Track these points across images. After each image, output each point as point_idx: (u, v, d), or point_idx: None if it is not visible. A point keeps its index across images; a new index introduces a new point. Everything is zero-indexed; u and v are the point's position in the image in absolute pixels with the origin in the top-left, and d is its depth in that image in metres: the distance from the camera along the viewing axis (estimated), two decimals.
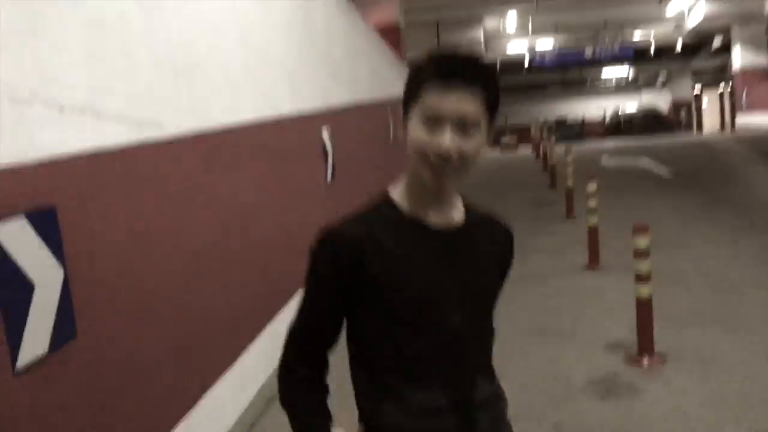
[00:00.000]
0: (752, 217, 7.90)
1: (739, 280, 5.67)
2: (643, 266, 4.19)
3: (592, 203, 6.38)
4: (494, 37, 22.70)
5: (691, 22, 21.73)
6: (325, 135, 5.94)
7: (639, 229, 4.22)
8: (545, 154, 13.07)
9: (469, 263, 1.48)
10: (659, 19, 22.42)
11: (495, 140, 23.40)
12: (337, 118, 6.51)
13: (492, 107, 1.39)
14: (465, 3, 18.64)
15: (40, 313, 2.17)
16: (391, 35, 12.19)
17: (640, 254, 4.20)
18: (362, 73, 8.28)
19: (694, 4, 20.86)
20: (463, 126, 1.34)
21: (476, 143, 1.37)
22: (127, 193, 2.73)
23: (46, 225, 2.24)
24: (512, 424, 1.57)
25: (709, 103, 37.13)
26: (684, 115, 34.43)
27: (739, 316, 4.88)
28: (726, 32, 22.94)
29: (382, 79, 9.69)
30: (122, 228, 2.67)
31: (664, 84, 37.73)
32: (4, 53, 2.11)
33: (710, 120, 35.93)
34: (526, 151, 19.42)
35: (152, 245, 2.89)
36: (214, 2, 3.83)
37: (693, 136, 24.62)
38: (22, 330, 2.11)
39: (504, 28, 22.06)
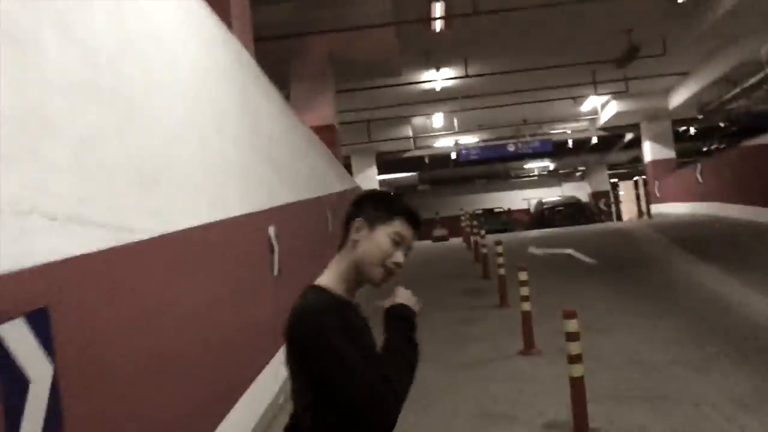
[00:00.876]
0: (668, 302, 8.50)
1: (658, 360, 6.13)
2: (574, 348, 4.58)
3: (524, 291, 6.83)
4: (422, 134, 23.77)
5: (604, 118, 23.35)
6: (271, 231, 6.24)
7: (568, 315, 4.64)
8: (476, 245, 13.63)
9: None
10: (575, 115, 24.02)
11: (427, 232, 24.12)
12: (282, 215, 6.83)
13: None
14: (394, 105, 19.60)
15: (34, 409, 2.35)
16: (326, 134, 12.77)
17: (571, 337, 4.59)
18: (303, 171, 8.69)
19: (606, 103, 22.51)
20: (407, 249, 1.96)
21: None
22: (107, 293, 2.96)
23: (40, 324, 2.45)
24: None
25: (625, 193, 39.35)
26: (604, 205, 36.26)
27: (661, 391, 5.30)
28: (636, 128, 24.66)
29: (320, 175, 10.14)
30: (103, 325, 2.88)
31: (582, 176, 39.79)
32: (10, 171, 2.37)
33: (627, 208, 38.00)
34: (457, 240, 20.08)
35: (126, 341, 3.09)
36: (176, 115, 4.18)
37: (613, 224, 25.90)
38: (19, 426, 2.28)
39: (431, 126, 23.15)
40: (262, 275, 5.87)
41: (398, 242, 1.91)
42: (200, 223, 4.36)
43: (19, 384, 2.28)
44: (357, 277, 1.92)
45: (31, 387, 2.33)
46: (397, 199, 2.02)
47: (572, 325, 4.60)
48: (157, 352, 3.43)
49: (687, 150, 28.66)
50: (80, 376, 2.65)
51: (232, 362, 4.73)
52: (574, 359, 4.58)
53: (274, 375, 5.79)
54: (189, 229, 4.12)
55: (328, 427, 1.76)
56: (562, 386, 4.79)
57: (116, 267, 3.10)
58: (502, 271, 8.82)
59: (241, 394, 4.80)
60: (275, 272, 6.24)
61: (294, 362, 1.81)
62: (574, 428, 4.56)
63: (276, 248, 6.32)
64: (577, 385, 4.56)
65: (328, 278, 1.91)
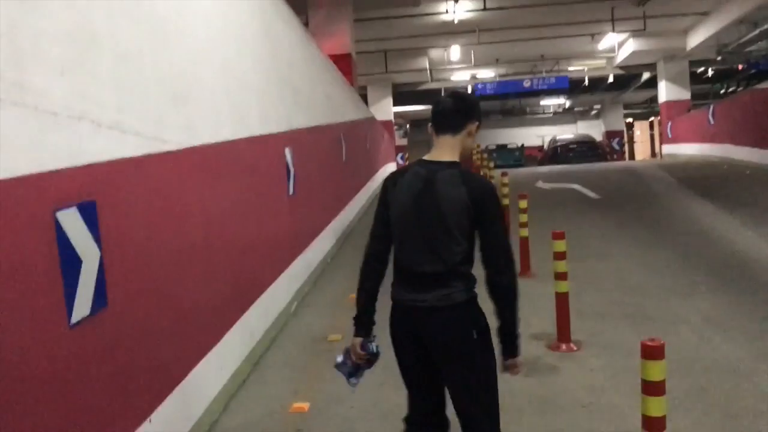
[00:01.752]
0: (661, 235, 8.88)
1: (643, 284, 6.56)
2: (560, 266, 5.00)
3: (523, 218, 7.23)
4: (439, 67, 23.76)
5: (621, 56, 23.24)
6: (288, 154, 6.62)
7: (557, 236, 5.04)
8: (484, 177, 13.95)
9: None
10: (592, 53, 23.89)
11: None
12: (298, 139, 7.20)
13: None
14: (411, 36, 19.63)
15: (85, 284, 2.78)
16: (343, 64, 12.99)
17: (558, 256, 5.01)
18: (319, 98, 9.00)
19: (624, 41, 22.37)
20: None
21: None
22: (142, 193, 3.37)
23: (89, 214, 2.86)
24: None
25: (640, 134, 39.23)
26: (617, 144, 36.25)
27: (641, 311, 5.73)
28: (653, 68, 24.52)
29: (335, 103, 10.45)
30: (139, 220, 3.31)
31: (598, 115, 39.61)
32: (64, 80, 2.75)
33: (642, 149, 37.96)
34: None
35: (159, 236, 3.53)
36: (202, 37, 4.51)
37: (624, 163, 26.07)
38: (74, 295, 2.72)
39: (448, 59, 23.13)
40: (279, 193, 6.28)
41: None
42: (224, 140, 4.75)
43: (74, 261, 2.71)
44: (459, 158, 2.65)
45: (83, 265, 2.76)
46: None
47: (560, 245, 5.01)
48: (186, 246, 3.87)
49: (703, 92, 28.48)
50: (122, 260, 3.09)
51: (250, 267, 5.19)
52: (560, 277, 5.00)
53: (287, 285, 6.28)
54: (214, 144, 4.51)
55: (470, 262, 2.60)
56: (552, 304, 5.22)
57: (151, 172, 3.51)
58: (506, 201, 9.19)
59: (257, 297, 5.28)
60: (291, 192, 6.65)
61: (472, 219, 2.54)
62: (558, 339, 5.02)
63: (292, 170, 6.71)
64: (561, 300, 5.00)
65: (452, 156, 2.62)
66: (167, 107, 3.83)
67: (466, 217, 2.50)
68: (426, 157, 2.66)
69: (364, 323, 2.70)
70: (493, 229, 2.52)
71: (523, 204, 7.35)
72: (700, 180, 14.16)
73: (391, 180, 2.69)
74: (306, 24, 13.16)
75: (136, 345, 3.17)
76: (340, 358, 2.78)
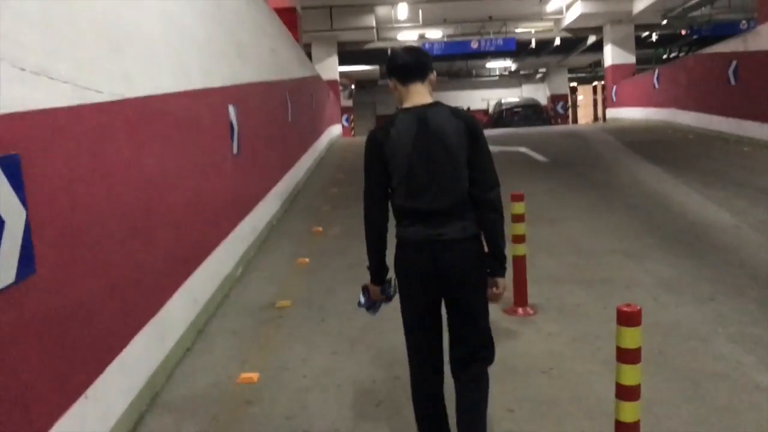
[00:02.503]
0: (611, 198, 8.88)
1: (596, 248, 6.52)
2: (519, 229, 4.86)
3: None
4: (386, 25, 23.32)
5: (569, 19, 23.23)
6: (232, 110, 6.28)
7: (515, 198, 4.89)
8: None
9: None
10: (540, 14, 23.81)
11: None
12: (243, 95, 6.85)
13: None
14: None
15: (8, 248, 2.48)
16: (287, 17, 12.53)
17: (517, 218, 4.86)
18: (265, 53, 8.62)
19: (572, 3, 22.34)
20: None
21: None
22: (74, 148, 3.05)
23: (11, 169, 2.55)
24: None
25: (584, 98, 39.63)
26: (561, 108, 36.55)
27: (595, 275, 5.68)
28: (599, 32, 24.61)
29: (281, 59, 10.05)
30: (71, 177, 2.99)
31: (543, 78, 39.79)
32: None
33: (584, 113, 38.39)
34: None
35: (93, 195, 3.22)
36: None
37: (569, 126, 26.28)
38: None
39: (395, 17, 22.71)
40: (223, 152, 5.96)
41: None
42: (163, 92, 4.41)
43: None
44: None
45: (6, 226, 2.46)
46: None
47: (519, 208, 4.86)
48: (123, 207, 3.57)
49: (646, 57, 28.80)
50: (51, 222, 2.78)
51: (193, 229, 4.90)
52: (518, 240, 4.87)
53: (232, 248, 6.00)
54: (152, 96, 4.17)
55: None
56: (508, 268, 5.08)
57: (84, 124, 3.18)
58: None
59: (200, 262, 5.00)
60: (235, 150, 6.33)
61: (468, 148, 2.69)
62: (514, 303, 4.91)
63: (236, 128, 6.38)
64: (519, 264, 4.88)
65: (430, 99, 2.78)
66: (101, 54, 3.48)
67: (466, 146, 2.68)
68: (406, 106, 2.77)
69: (381, 275, 2.89)
70: (486, 154, 2.74)
71: None
72: (647, 144, 14.29)
73: (380, 134, 2.75)
74: None
75: (69, 315, 2.89)
76: (362, 299, 3.00)
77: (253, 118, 7.44)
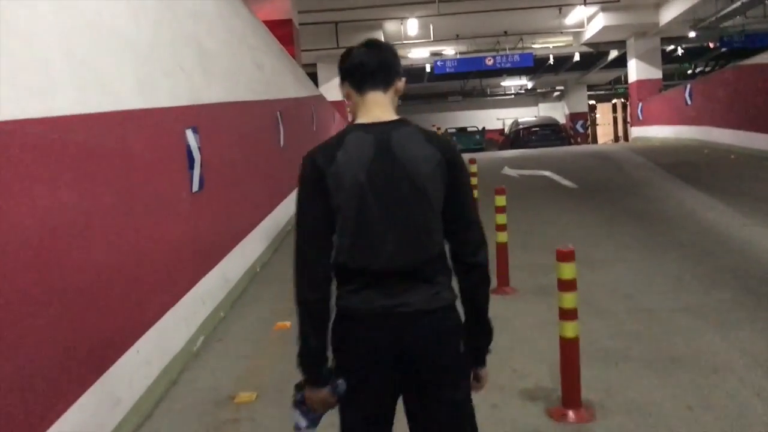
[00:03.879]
0: (659, 234, 7.46)
1: (655, 306, 5.09)
2: (568, 300, 3.45)
3: (501, 219, 5.64)
4: (395, 42, 22.10)
5: (590, 32, 21.89)
6: (191, 136, 4.95)
7: (563, 256, 3.47)
8: None
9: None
10: (559, 28, 22.49)
11: None
12: (209, 117, 5.53)
13: None
14: (364, 7, 17.94)
15: None
16: (282, 30, 11.23)
17: (565, 285, 3.45)
18: (245, 68, 7.30)
19: (594, 15, 21.01)
20: None
21: None
22: None
23: None
24: None
25: (602, 116, 38.17)
26: (581, 127, 35.16)
27: (663, 350, 4.24)
28: (622, 45, 23.27)
29: (270, 76, 8.73)
30: None
31: (560, 96, 38.46)
32: None
33: (603, 131, 36.92)
34: None
35: None
36: None
37: (591, 147, 24.88)
38: None
39: (405, 33, 21.50)
40: (174, 190, 4.62)
41: None
42: (61, 114, 3.09)
43: None
44: None
45: None
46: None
47: (568, 270, 3.45)
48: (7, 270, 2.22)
49: (671, 72, 27.45)
50: None
51: (119, 299, 3.55)
52: (568, 314, 3.45)
53: (186, 315, 4.64)
54: (42, 119, 2.84)
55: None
56: (542, 336, 3.83)
57: None
58: (475, 194, 7.63)
59: (130, 344, 3.65)
60: (195, 187, 4.99)
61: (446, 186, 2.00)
62: (563, 402, 3.49)
63: (198, 158, 5.05)
64: (569, 346, 3.46)
65: (393, 115, 2.05)
66: None
67: (443, 184, 1.99)
68: (360, 121, 2.04)
69: (325, 370, 2.02)
70: (467, 195, 2.06)
71: (501, 201, 5.72)
72: (685, 166, 12.84)
73: (322, 156, 1.98)
74: None
75: None
76: (302, 421, 2.08)
77: (226, 145, 6.11)
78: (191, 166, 4.94)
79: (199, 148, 5.09)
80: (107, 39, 3.77)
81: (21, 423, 2.63)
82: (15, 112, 2.70)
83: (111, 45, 3.81)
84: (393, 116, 2.05)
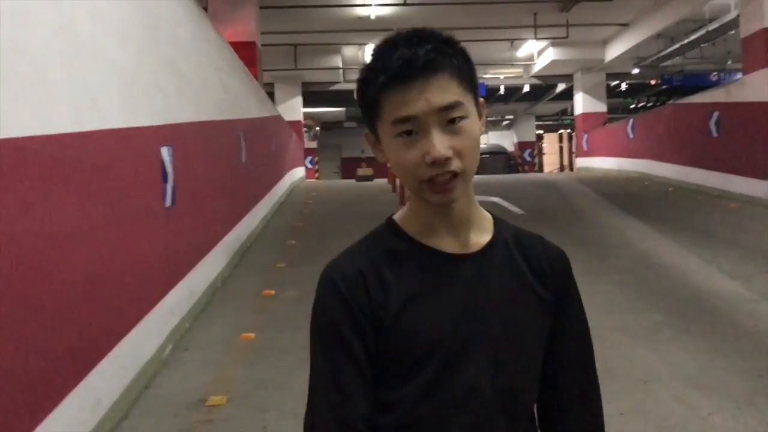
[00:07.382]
0: (599, 260, 7.97)
1: (594, 324, 5.51)
2: None
3: None
4: (353, 66, 22.56)
5: (539, 65, 22.74)
6: (166, 154, 5.22)
7: None
8: (401, 188, 12.86)
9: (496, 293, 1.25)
10: (510, 60, 23.30)
11: (351, 171, 22.74)
12: (182, 136, 5.80)
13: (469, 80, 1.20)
14: (324, 31, 18.35)
15: None
16: (246, 53, 11.53)
17: None
18: (214, 89, 7.58)
19: (543, 49, 21.86)
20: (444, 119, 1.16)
21: (468, 132, 1.19)
22: None
23: None
24: None
25: (548, 146, 39.32)
26: (529, 156, 36.16)
27: (599, 361, 4.66)
28: (569, 79, 24.20)
29: (235, 97, 9.02)
30: None
31: (509, 125, 39.49)
32: None
33: (549, 161, 38.01)
34: (383, 180, 19.30)
35: None
36: None
37: (539, 175, 25.68)
38: None
39: (363, 58, 21.98)
40: (149, 205, 4.88)
41: (408, 131, 1.17)
42: (58, 132, 3.34)
43: None
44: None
45: None
46: (366, 70, 1.23)
47: None
48: None
49: (617, 106, 28.57)
50: None
51: (98, 308, 3.78)
52: None
53: (158, 324, 4.88)
54: (34, 137, 3.10)
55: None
56: None
57: None
58: None
59: (108, 349, 3.88)
60: (168, 202, 5.25)
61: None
62: None
63: (171, 174, 5.31)
64: None
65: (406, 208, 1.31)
66: None
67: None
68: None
69: None
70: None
71: None
72: (626, 197, 13.50)
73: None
74: (205, 8, 11.66)
75: None
76: None
77: (196, 162, 6.37)
78: (165, 182, 5.20)
79: (172, 165, 5.35)
80: (99, 62, 4.04)
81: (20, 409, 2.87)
82: (22, 130, 2.96)
83: (101, 67, 4.08)
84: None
